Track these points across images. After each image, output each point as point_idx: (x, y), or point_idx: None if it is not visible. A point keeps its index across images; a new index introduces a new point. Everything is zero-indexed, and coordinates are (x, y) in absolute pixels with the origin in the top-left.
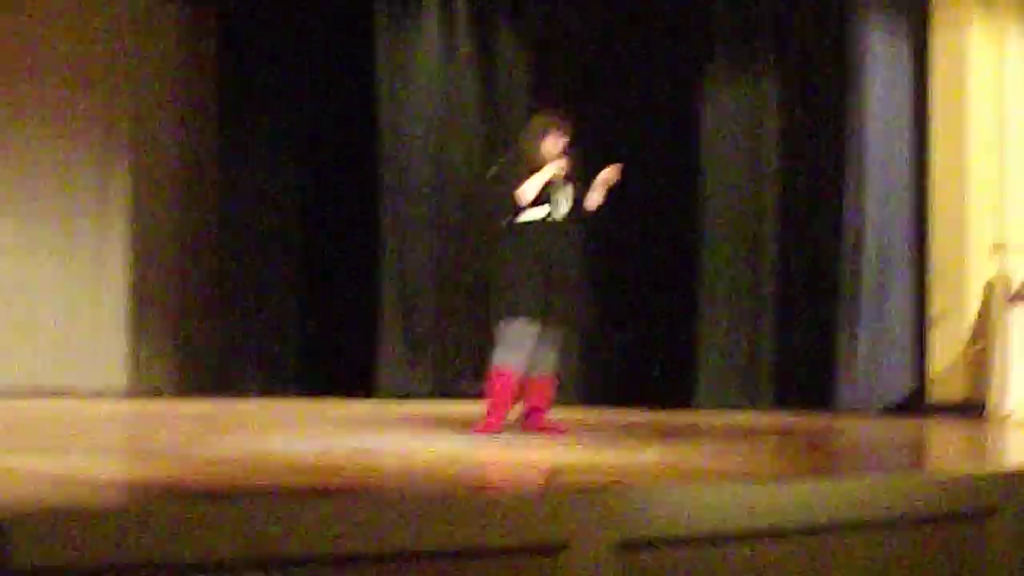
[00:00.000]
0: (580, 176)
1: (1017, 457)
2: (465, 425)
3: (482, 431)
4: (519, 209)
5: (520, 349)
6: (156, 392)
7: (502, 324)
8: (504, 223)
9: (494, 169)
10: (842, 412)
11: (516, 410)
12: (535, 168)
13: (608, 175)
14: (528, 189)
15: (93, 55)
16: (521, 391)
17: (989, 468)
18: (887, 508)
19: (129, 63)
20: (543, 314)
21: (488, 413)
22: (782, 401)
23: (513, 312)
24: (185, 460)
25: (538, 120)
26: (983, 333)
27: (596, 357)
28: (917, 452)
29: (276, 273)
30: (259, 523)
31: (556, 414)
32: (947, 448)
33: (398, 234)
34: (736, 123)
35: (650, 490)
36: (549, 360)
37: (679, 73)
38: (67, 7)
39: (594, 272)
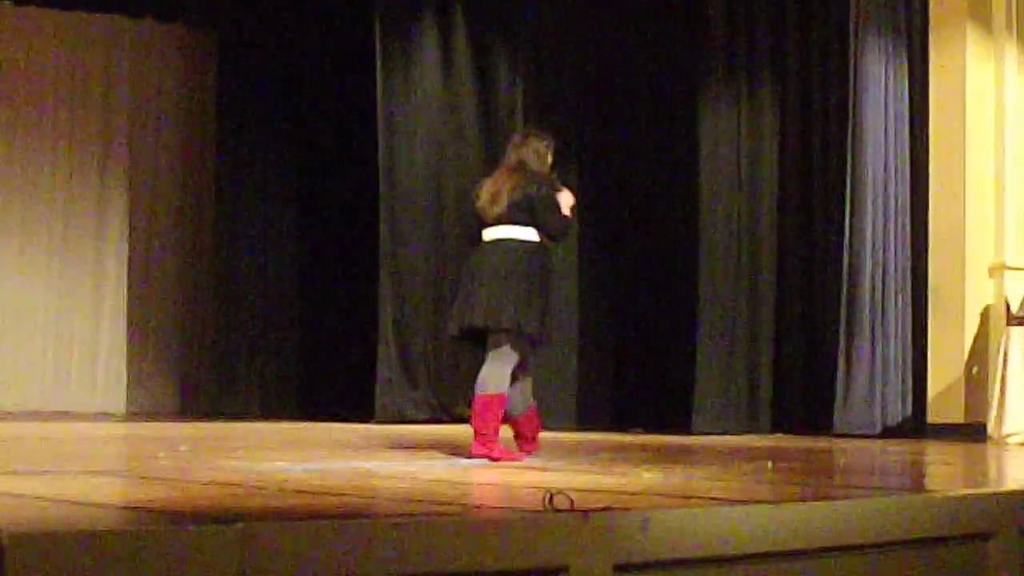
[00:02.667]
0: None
1: (1016, 479)
2: (462, 448)
3: (514, 457)
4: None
5: (509, 372)
6: (153, 415)
7: (508, 346)
8: (541, 245)
9: (546, 192)
10: (841, 435)
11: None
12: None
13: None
14: (568, 213)
15: (92, 77)
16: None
17: (988, 490)
18: (886, 530)
19: (128, 85)
20: (549, 337)
21: (489, 440)
22: (780, 424)
23: (541, 337)
24: (183, 482)
25: (546, 140)
26: (981, 355)
27: (594, 382)
28: (916, 474)
29: (275, 296)
30: (256, 545)
31: (554, 438)
32: (946, 470)
33: (396, 258)
34: (734, 148)
35: (649, 513)
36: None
37: (677, 98)
38: (66, 29)
39: (592, 297)
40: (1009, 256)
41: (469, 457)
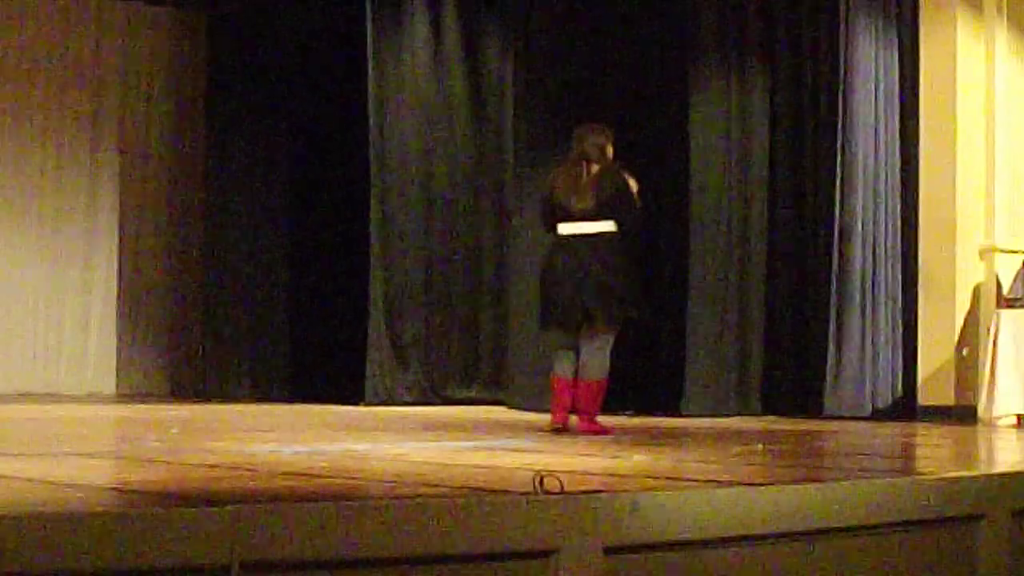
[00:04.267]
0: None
1: (1006, 461)
2: (452, 428)
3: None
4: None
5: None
6: (144, 396)
7: (611, 334)
8: (620, 235)
9: (627, 182)
10: (831, 417)
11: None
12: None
13: None
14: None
15: (82, 58)
16: (566, 395)
17: (978, 472)
18: (876, 512)
19: (118, 66)
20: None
21: (595, 419)
22: (771, 407)
23: (644, 312)
24: (174, 465)
25: (606, 132)
26: (972, 337)
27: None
28: (906, 456)
29: (265, 278)
30: (247, 528)
31: (545, 420)
32: (936, 452)
33: (386, 239)
34: (724, 131)
35: (639, 495)
36: None
37: (668, 79)
38: (56, 10)
39: None
40: (999, 238)
41: (582, 433)
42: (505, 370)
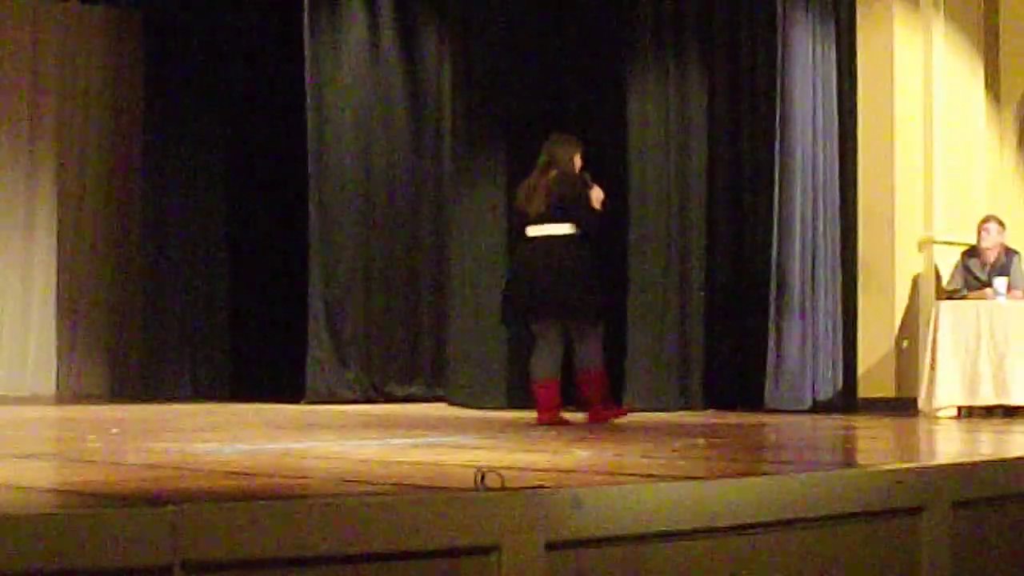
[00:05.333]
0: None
1: (947, 452)
2: (393, 425)
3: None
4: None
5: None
6: (84, 397)
7: (589, 328)
8: (579, 237)
9: (578, 191)
10: (772, 410)
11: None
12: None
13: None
14: (598, 207)
15: (18, 59)
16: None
17: (919, 464)
18: (817, 505)
19: (54, 65)
20: (602, 311)
21: (607, 408)
22: (712, 401)
23: (601, 316)
24: (114, 465)
25: (573, 141)
26: (912, 329)
27: (524, 360)
28: (847, 449)
29: (204, 277)
30: (188, 527)
31: (485, 416)
32: (877, 444)
33: (325, 237)
34: (663, 122)
35: (581, 490)
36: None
37: (605, 77)
38: None
39: None
40: (938, 230)
41: (589, 422)
42: (446, 367)
